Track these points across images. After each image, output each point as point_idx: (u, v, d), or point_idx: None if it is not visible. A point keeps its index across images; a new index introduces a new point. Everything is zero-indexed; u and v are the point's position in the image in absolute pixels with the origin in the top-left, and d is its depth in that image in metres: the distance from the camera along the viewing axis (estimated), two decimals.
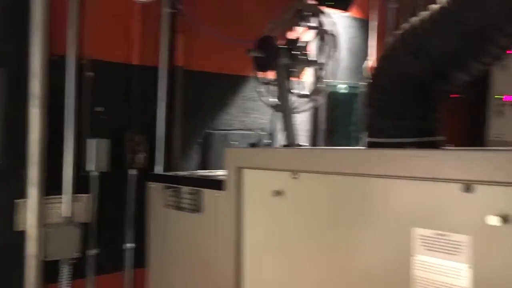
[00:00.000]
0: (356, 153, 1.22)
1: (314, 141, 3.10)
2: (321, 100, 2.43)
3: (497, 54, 1.51)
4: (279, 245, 1.41)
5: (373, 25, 3.37)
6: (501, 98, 3.36)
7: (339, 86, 3.16)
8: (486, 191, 0.96)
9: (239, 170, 1.53)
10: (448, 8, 1.52)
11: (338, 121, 3.21)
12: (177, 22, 2.58)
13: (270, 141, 2.64)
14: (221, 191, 1.79)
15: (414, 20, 1.62)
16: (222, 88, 2.80)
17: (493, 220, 0.93)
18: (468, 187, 0.98)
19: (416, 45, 1.57)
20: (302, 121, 3.02)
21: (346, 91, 3.20)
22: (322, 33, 2.21)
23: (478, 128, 3.43)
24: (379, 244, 1.15)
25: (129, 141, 2.39)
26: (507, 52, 3.49)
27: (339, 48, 2.18)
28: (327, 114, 3.13)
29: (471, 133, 3.55)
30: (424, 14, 1.59)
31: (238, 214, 1.53)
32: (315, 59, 2.24)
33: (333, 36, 2.17)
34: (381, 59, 1.67)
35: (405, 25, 1.65)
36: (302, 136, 3.03)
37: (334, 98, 3.15)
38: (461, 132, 3.66)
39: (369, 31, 3.41)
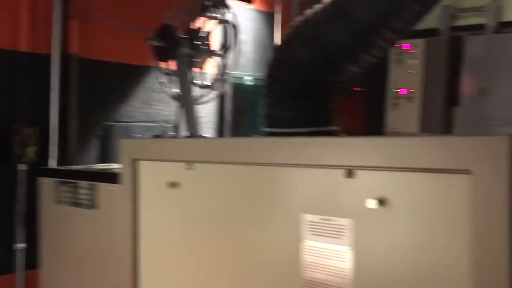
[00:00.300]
0: (246, 143, 1.23)
1: (220, 133, 3.10)
2: (224, 91, 2.42)
3: (385, 48, 1.59)
4: (176, 238, 1.38)
5: (278, 18, 3.42)
6: (397, 91, 3.56)
7: (245, 78, 3.18)
8: (366, 176, 1.00)
9: (134, 162, 1.48)
10: (339, 2, 1.57)
11: (244, 113, 3.23)
12: (71, 7, 2.44)
13: (175, 133, 2.59)
14: (116, 185, 1.72)
15: (308, 12, 1.66)
16: (123, 79, 2.69)
17: (372, 204, 0.97)
18: (349, 172, 1.02)
19: (309, 37, 1.61)
20: (208, 112, 3.00)
21: (252, 83, 3.22)
22: (224, 24, 2.20)
23: (379, 120, 3.62)
24: (272, 232, 1.17)
25: (18, 133, 2.22)
26: (403, 47, 3.70)
27: (240, 39, 2.19)
28: (233, 106, 3.14)
29: (372, 124, 3.73)
30: (317, 7, 1.63)
31: (133, 207, 1.48)
32: (217, 49, 2.23)
33: (234, 27, 2.17)
34: (276, 50, 1.70)
35: (300, 17, 1.69)
36: (208, 128, 3.01)
37: (240, 90, 3.16)
38: (363, 123, 3.85)
39: (274, 24, 3.46)
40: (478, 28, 3.32)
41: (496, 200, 0.81)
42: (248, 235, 1.21)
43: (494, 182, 0.81)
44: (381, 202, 0.97)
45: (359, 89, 3.76)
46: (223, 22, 2.19)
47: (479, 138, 0.84)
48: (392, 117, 3.55)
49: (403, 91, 3.51)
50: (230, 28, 2.16)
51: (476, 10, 3.34)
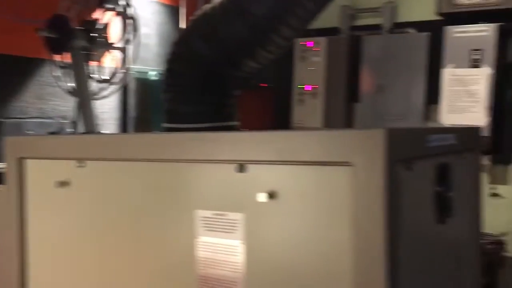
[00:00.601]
0: (138, 139, 1.19)
1: (123, 129, 3.00)
2: (126, 85, 2.34)
3: (281, 44, 1.63)
4: (67, 239, 1.31)
5: (183, 11, 3.37)
6: (303, 87, 3.66)
7: (150, 73, 3.10)
8: (257, 170, 1.01)
9: (20, 161, 1.38)
10: None
11: (149, 109, 3.15)
12: None
13: (73, 130, 2.46)
14: (0, 186, 1.59)
15: (207, 6, 1.65)
16: (13, 72, 2.50)
17: (262, 197, 0.98)
18: (241, 167, 1.02)
19: (207, 32, 1.60)
20: (110, 108, 2.88)
21: (156, 77, 3.14)
22: (122, 16, 2.12)
23: (285, 115, 3.71)
24: (167, 229, 1.14)
25: None
26: (307, 44, 3.80)
27: (140, 32, 2.12)
28: (138, 101, 3.05)
29: (279, 120, 3.82)
30: (216, 1, 1.63)
31: (20, 210, 1.38)
32: (115, 42, 2.15)
33: (133, 19, 2.09)
34: (174, 44, 1.67)
35: (199, 11, 1.67)
36: (111, 124, 2.90)
37: (144, 85, 3.07)
38: (270, 119, 3.92)
39: (180, 18, 3.41)
40: (375, 28, 3.52)
41: (373, 191, 0.85)
42: (141, 233, 1.18)
43: (371, 173, 0.86)
44: (271, 195, 0.98)
45: (265, 85, 3.83)
46: (121, 14, 2.11)
47: (358, 131, 0.88)
48: (298, 113, 3.67)
49: (307, 88, 3.63)
50: (129, 21, 2.09)
51: (373, 10, 3.54)
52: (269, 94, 3.91)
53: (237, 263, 1.03)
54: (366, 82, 3.56)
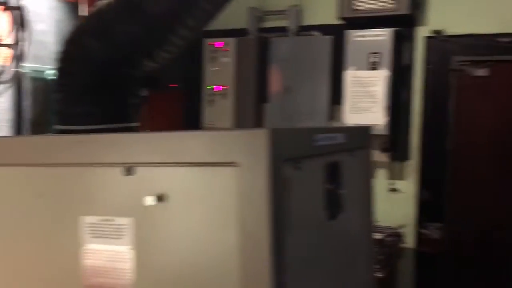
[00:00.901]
0: (18, 142, 1.11)
1: (18, 132, 2.79)
2: (17, 85, 2.18)
3: (180, 44, 1.60)
4: None
5: (83, 8, 3.22)
6: (212, 88, 3.64)
7: (47, 72, 2.91)
8: (145, 172, 0.97)
9: None
10: None
11: (47, 110, 2.96)
12: None
13: None
14: None
15: (101, 3, 1.58)
16: None
17: (150, 201, 0.95)
18: (128, 170, 0.99)
19: (101, 30, 1.53)
20: (2, 109, 2.67)
21: (55, 77, 2.97)
22: (11, 11, 1.97)
23: (196, 116, 3.67)
24: (51, 238, 1.07)
25: None
26: (216, 45, 3.77)
27: (32, 28, 1.98)
28: (34, 102, 2.85)
29: (190, 121, 3.77)
30: None
31: None
32: (3, 39, 1.99)
33: (21, 14, 1.96)
34: (66, 42, 1.58)
35: (93, 8, 1.60)
36: (3, 127, 2.69)
37: (41, 85, 2.88)
38: (181, 120, 3.86)
39: (80, 15, 3.25)
40: (282, 30, 3.59)
41: (258, 191, 0.86)
42: (25, 242, 1.10)
43: (256, 174, 0.86)
44: (160, 198, 0.95)
45: (175, 85, 3.77)
46: (10, 9, 1.96)
47: (243, 131, 0.88)
48: (209, 113, 3.64)
49: (217, 88, 3.62)
50: (16, 15, 1.95)
51: (279, 13, 3.61)
52: (179, 94, 3.85)
53: (126, 269, 0.99)
54: (275, 82, 3.62)
